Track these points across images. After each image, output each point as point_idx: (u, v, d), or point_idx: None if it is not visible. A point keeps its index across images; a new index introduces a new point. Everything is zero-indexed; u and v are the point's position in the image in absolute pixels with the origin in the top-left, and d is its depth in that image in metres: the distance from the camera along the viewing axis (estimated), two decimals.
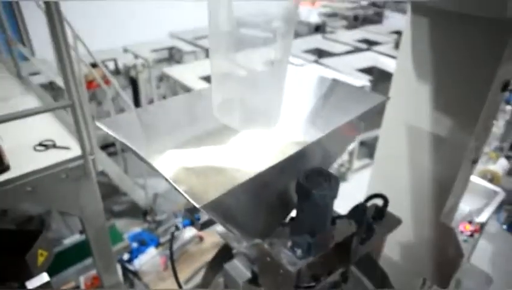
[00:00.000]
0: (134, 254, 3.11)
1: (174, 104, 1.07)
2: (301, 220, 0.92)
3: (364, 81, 3.85)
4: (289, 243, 0.95)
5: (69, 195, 1.67)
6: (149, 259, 3.09)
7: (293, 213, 1.01)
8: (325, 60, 4.37)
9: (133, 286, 3.01)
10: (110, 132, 0.88)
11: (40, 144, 1.73)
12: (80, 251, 2.47)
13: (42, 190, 1.57)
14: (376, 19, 6.80)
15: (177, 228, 0.96)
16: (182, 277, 3.10)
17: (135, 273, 3.07)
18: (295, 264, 0.91)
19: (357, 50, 4.86)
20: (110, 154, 4.55)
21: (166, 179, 0.77)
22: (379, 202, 1.31)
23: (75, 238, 2.64)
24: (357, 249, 1.14)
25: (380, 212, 1.26)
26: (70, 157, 1.62)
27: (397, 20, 6.02)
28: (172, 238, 0.99)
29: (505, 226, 3.89)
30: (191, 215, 1.00)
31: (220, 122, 1.06)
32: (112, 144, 4.62)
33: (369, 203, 1.34)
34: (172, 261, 1.07)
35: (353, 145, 4.19)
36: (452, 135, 1.82)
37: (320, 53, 4.88)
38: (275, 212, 1.01)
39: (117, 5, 4.99)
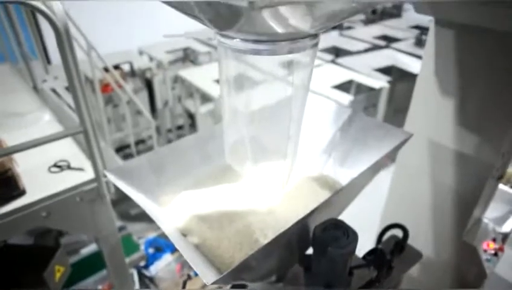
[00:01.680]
0: (150, 260, 3.14)
1: (185, 144, 1.04)
2: (317, 272, 0.88)
3: (382, 82, 3.74)
4: None
5: (84, 217, 1.68)
6: (164, 265, 3.12)
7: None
8: (342, 60, 4.26)
9: None
10: (118, 184, 0.85)
11: (55, 165, 1.74)
12: (96, 262, 2.50)
13: (56, 214, 1.58)
14: (395, 12, 6.57)
15: (189, 277, 0.94)
16: (199, 283, 3.11)
17: (151, 280, 3.11)
18: None
19: (375, 47, 4.72)
20: (126, 156, 4.59)
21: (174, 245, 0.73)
22: (397, 232, 1.26)
23: (92, 247, 2.68)
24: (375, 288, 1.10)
25: (400, 246, 1.21)
26: (84, 181, 1.62)
27: (417, 14, 5.81)
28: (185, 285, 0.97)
29: None
30: None
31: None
32: (128, 146, 4.65)
33: (387, 235, 1.29)
34: None
35: None
36: (477, 153, 1.74)
37: (337, 51, 4.76)
38: (291, 255, 0.98)
39: (131, 7, 5.01)
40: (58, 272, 2.01)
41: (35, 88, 2.55)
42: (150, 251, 3.18)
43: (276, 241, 0.70)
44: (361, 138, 1.12)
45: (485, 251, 1.97)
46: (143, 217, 3.83)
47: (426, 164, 1.93)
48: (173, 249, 3.27)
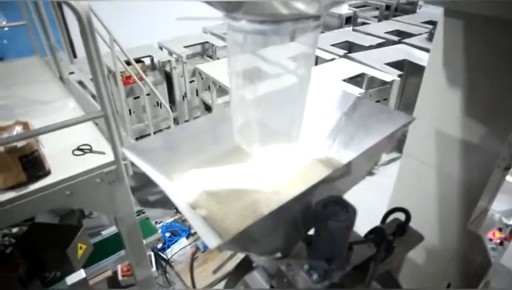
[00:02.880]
0: (166, 243, 3.28)
1: (197, 125, 1.11)
2: (317, 247, 0.95)
3: (393, 75, 3.73)
4: (306, 266, 0.98)
5: (104, 198, 1.78)
6: (180, 249, 3.24)
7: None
8: (355, 54, 4.26)
9: (165, 274, 3.17)
10: (133, 160, 0.93)
11: (78, 149, 1.84)
12: (116, 243, 2.63)
13: (78, 194, 1.68)
14: (409, 8, 6.46)
15: (198, 249, 1.02)
16: (211, 267, 3.22)
17: (167, 262, 3.24)
18: (310, 289, 0.94)
19: (388, 42, 4.68)
20: None
21: (180, 212, 0.81)
22: (400, 215, 1.30)
23: (112, 229, 2.81)
24: (376, 268, 1.15)
25: (402, 228, 1.26)
26: (104, 163, 1.72)
27: (432, 9, 5.71)
28: (193, 259, 1.05)
29: None
30: None
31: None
32: (148, 136, 4.79)
33: (391, 217, 1.34)
34: (192, 276, 1.12)
35: None
36: (484, 142, 1.75)
37: (350, 46, 4.76)
38: (295, 231, 1.04)
39: (153, 5, 5.31)
40: (80, 249, 2.14)
41: (61, 79, 2.68)
42: (167, 235, 3.30)
43: (278, 212, 0.77)
44: (365, 122, 1.17)
45: (491, 240, 1.99)
46: (161, 203, 3.98)
47: (433, 153, 1.96)
48: (188, 234, 3.39)
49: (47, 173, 1.66)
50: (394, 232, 1.24)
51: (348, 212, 0.87)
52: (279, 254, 1.06)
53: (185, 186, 1.03)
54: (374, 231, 1.11)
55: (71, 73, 3.02)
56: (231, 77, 0.96)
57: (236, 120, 1.06)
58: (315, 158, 1.19)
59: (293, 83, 0.97)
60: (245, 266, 1.31)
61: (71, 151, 1.82)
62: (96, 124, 2.11)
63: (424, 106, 1.95)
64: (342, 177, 0.96)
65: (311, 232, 1.07)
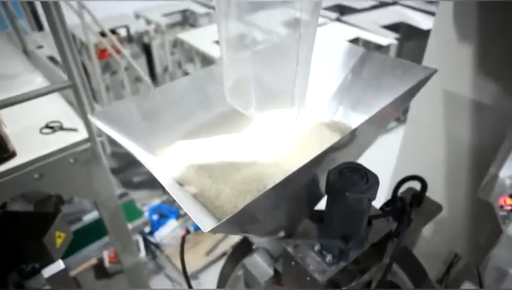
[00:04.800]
0: (154, 226, 3.11)
1: (180, 86, 0.92)
2: (331, 224, 0.79)
3: (389, 39, 3.55)
4: (317, 247, 0.82)
5: (80, 180, 1.60)
6: (169, 232, 3.08)
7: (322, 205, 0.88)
8: (348, 18, 4.05)
9: (155, 258, 3.03)
10: (104, 129, 0.75)
11: (47, 126, 1.64)
12: (99, 228, 2.45)
13: (50, 176, 1.50)
14: None
15: (188, 232, 0.85)
16: (204, 249, 3.09)
17: (156, 246, 3.08)
18: (324, 272, 0.79)
19: (382, 4, 4.47)
20: None
21: (167, 191, 0.64)
22: (414, 184, 1.16)
23: (94, 214, 2.62)
24: (399, 245, 1.01)
25: (418, 199, 1.12)
26: (77, 141, 1.53)
27: None
28: (183, 242, 0.88)
29: None
30: None
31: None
32: None
33: (404, 187, 1.19)
34: (183, 263, 0.96)
35: None
36: (497, 102, 1.61)
37: (342, 9, 4.53)
38: (301, 206, 0.88)
39: None
40: (59, 238, 1.95)
41: (25, 52, 2.42)
42: (155, 217, 3.14)
43: (283, 185, 0.60)
44: (376, 79, 1.00)
45: (501, 207, 1.88)
46: (146, 184, 3.79)
47: (440, 116, 1.81)
48: (178, 215, 3.23)
49: (11, 154, 1.46)
50: (410, 203, 1.10)
51: (369, 181, 0.71)
52: (282, 234, 0.90)
53: (170, 160, 0.85)
54: (391, 202, 0.96)
55: (40, 47, 2.75)
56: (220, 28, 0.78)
57: (228, 78, 0.87)
58: (319, 123, 1.02)
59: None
60: (244, 248, 1.16)
61: (38, 130, 1.61)
62: (72, 105, 1.88)
63: (431, 64, 1.78)
64: (353, 143, 0.80)
65: (318, 207, 0.92)
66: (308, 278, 0.81)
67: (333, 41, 1.09)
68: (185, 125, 0.92)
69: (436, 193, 1.97)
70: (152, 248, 3.09)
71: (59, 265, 1.53)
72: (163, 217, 3.18)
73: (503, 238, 2.92)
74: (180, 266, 2.93)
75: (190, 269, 2.93)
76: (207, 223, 0.54)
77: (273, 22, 0.84)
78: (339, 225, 0.77)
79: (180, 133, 0.91)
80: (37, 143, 1.53)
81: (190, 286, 0.98)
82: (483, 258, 1.98)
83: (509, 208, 1.87)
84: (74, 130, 1.61)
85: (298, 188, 0.75)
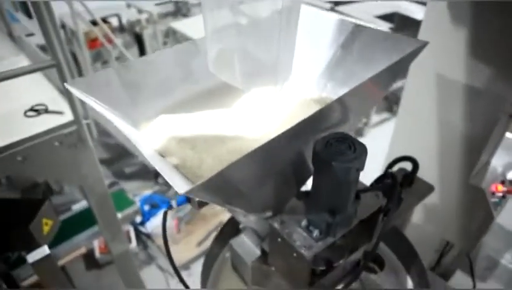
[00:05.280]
0: (146, 217, 3.07)
1: (163, 58, 0.89)
2: (318, 197, 0.76)
3: (383, 28, 3.53)
4: (304, 222, 0.80)
5: (65, 164, 1.56)
6: (161, 222, 3.04)
7: (309, 182, 0.85)
8: (342, 8, 4.02)
9: (146, 249, 3.00)
10: (81, 97, 0.71)
11: (32, 109, 1.59)
12: (89, 217, 2.41)
13: (34, 159, 1.45)
14: None
15: (171, 207, 0.82)
16: (195, 239, 3.06)
17: (148, 236, 3.05)
18: (310, 247, 0.76)
19: None
20: None
21: (146, 158, 0.61)
22: (406, 165, 1.14)
23: (83, 204, 2.58)
24: (388, 223, 0.99)
25: (409, 179, 1.10)
26: (62, 123, 1.49)
27: None
28: (165, 220, 0.85)
29: None
30: None
31: (219, 79, 0.88)
32: None
33: (395, 168, 1.17)
34: (166, 243, 0.93)
35: None
36: (490, 86, 1.60)
37: None
38: (287, 184, 0.86)
39: None
40: (46, 225, 1.91)
41: (11, 36, 2.36)
42: (146, 208, 3.10)
43: (262, 153, 0.58)
44: (366, 53, 0.97)
45: (493, 193, 1.87)
46: (138, 175, 3.75)
47: (433, 102, 1.79)
48: (170, 206, 3.19)
49: None
50: (401, 183, 1.08)
51: (357, 150, 0.68)
52: (269, 213, 0.88)
53: (152, 133, 0.82)
54: (382, 179, 0.94)
55: (30, 35, 2.68)
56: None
57: (212, 49, 0.84)
58: (307, 99, 0.99)
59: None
60: (231, 229, 1.13)
61: (22, 113, 1.57)
62: (62, 93, 1.83)
63: (424, 50, 1.77)
64: (338, 115, 0.77)
65: (305, 188, 0.89)
66: (294, 255, 0.79)
67: (323, 16, 1.06)
68: (168, 98, 0.89)
69: (428, 179, 1.95)
70: (144, 239, 3.06)
71: (44, 250, 1.49)
72: (155, 208, 3.14)
73: (494, 227, 2.93)
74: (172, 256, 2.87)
75: (181, 260, 2.90)
76: (183, 186, 0.51)
77: None
78: (326, 198, 0.75)
79: (162, 107, 0.88)
80: (20, 126, 1.49)
81: (171, 261, 0.95)
82: (474, 245, 1.98)
83: (500, 194, 1.86)
84: (60, 113, 1.57)
85: (281, 159, 0.72)
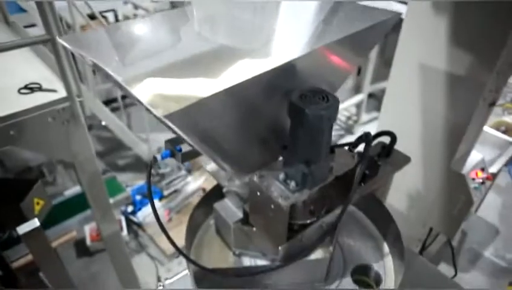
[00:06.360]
0: (137, 206, 3.11)
1: (153, 22, 0.94)
2: (294, 148, 0.81)
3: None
4: (282, 175, 0.85)
5: (58, 140, 1.59)
6: (152, 211, 3.07)
7: None
8: None
9: (137, 237, 3.03)
10: (75, 50, 0.76)
11: (26, 87, 1.63)
12: (81, 202, 2.45)
13: (27, 134, 1.49)
14: None
15: (155, 159, 0.87)
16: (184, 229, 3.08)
17: (139, 225, 3.08)
18: (287, 198, 0.81)
19: None
20: (113, 110, 4.48)
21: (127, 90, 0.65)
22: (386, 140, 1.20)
23: (76, 189, 2.61)
24: (360, 188, 1.04)
25: (387, 150, 1.15)
26: (55, 99, 1.53)
27: None
28: (151, 166, 0.89)
29: None
30: (172, 146, 0.90)
31: (209, 46, 0.93)
32: (115, 100, 4.52)
33: (375, 142, 1.23)
34: (149, 187, 0.96)
35: (361, 97, 4.03)
36: (470, 73, 1.66)
37: None
38: (266, 144, 0.90)
39: None
40: (37, 205, 1.94)
41: (6, 22, 2.40)
42: (138, 197, 3.13)
43: (238, 93, 0.64)
44: (345, 25, 1.02)
45: (473, 179, 1.93)
46: (131, 167, 3.79)
47: (416, 89, 1.85)
48: (161, 196, 3.23)
49: None
50: (379, 153, 1.14)
51: (330, 101, 0.74)
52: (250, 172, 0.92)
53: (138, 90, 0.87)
54: (358, 141, 0.99)
55: (32, 26, 2.73)
56: None
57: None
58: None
59: None
60: (214, 195, 1.18)
61: (16, 90, 1.61)
62: (56, 74, 1.87)
63: (408, 39, 1.84)
64: (312, 72, 0.82)
65: None
66: (272, 206, 0.84)
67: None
68: (155, 62, 0.93)
69: (412, 164, 2.02)
70: (135, 228, 3.08)
71: (34, 222, 1.53)
72: (146, 198, 3.18)
73: (475, 220, 3.01)
74: (162, 245, 2.90)
75: (172, 249, 2.92)
76: (161, 110, 0.56)
77: None
78: (301, 148, 0.80)
79: (151, 70, 0.92)
80: (14, 102, 1.53)
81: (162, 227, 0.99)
82: (456, 230, 2.03)
83: (480, 180, 1.92)
84: (54, 90, 1.61)
85: (255, 108, 0.76)
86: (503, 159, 2.41)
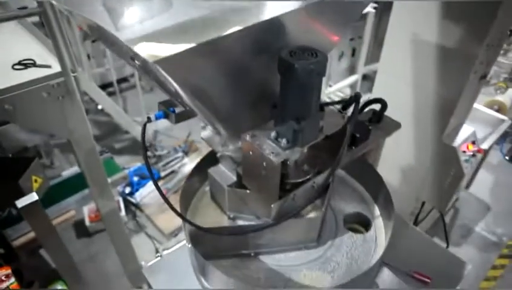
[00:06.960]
0: (134, 187, 3.14)
1: None
2: (284, 105, 0.83)
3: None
4: (273, 134, 0.87)
5: (54, 115, 1.60)
6: (149, 192, 3.11)
7: None
8: None
9: (135, 218, 3.06)
10: (66, 8, 0.77)
11: (20, 63, 1.64)
12: (79, 182, 2.47)
13: (22, 109, 1.50)
14: None
15: (149, 120, 0.88)
16: None
17: (137, 206, 3.11)
18: (278, 154, 0.83)
19: None
20: (109, 94, 4.48)
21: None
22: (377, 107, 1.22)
23: (74, 169, 2.63)
24: (352, 151, 1.07)
25: (378, 116, 1.18)
26: (50, 74, 1.53)
27: None
28: (144, 127, 0.91)
29: (507, 157, 3.85)
30: (165, 108, 0.92)
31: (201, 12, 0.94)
32: (111, 84, 4.50)
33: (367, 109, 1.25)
34: (145, 152, 0.98)
35: (355, 78, 4.05)
36: (461, 45, 1.68)
37: None
38: (257, 104, 0.92)
39: None
40: (35, 182, 1.96)
41: None
42: (135, 179, 3.16)
43: (228, 48, 0.67)
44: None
45: (464, 152, 1.97)
46: (128, 150, 3.80)
47: (409, 64, 1.88)
48: (158, 177, 3.26)
49: None
50: (371, 118, 1.16)
51: (318, 57, 0.76)
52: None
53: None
54: (349, 101, 1.01)
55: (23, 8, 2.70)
56: None
57: None
58: None
59: None
60: (209, 161, 1.20)
61: (10, 66, 1.61)
62: (50, 50, 1.86)
63: (400, 13, 1.86)
64: (300, 30, 0.83)
65: None
66: (264, 164, 0.86)
67: None
68: (148, 26, 0.94)
69: (404, 138, 2.06)
70: (133, 209, 3.12)
71: (33, 196, 1.55)
72: (144, 179, 3.21)
73: (467, 196, 3.06)
74: (160, 224, 2.91)
75: (170, 228, 2.97)
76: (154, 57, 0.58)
77: None
78: (292, 105, 0.82)
79: (143, 34, 0.93)
80: (8, 77, 1.53)
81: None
82: (447, 203, 2.08)
83: (471, 153, 1.96)
84: (48, 66, 1.62)
85: (245, 64, 0.78)
86: (494, 136, 2.45)
